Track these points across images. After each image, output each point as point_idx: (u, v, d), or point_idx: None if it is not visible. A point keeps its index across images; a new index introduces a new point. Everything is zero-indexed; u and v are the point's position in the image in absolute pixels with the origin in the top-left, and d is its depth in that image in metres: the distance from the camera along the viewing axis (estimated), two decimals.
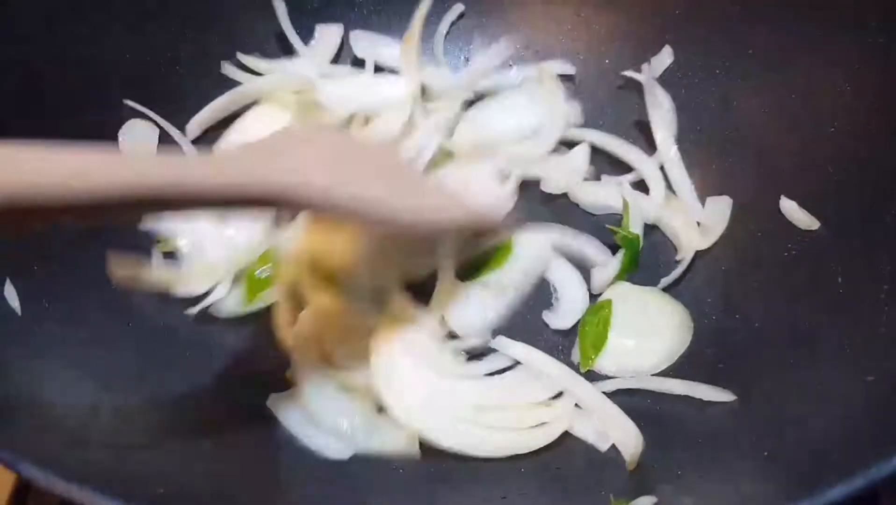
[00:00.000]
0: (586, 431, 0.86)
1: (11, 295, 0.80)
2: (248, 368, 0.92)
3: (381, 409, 0.86)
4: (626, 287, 0.98)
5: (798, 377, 0.83)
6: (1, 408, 0.69)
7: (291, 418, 0.86)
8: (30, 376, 0.75)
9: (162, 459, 0.75)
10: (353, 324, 0.91)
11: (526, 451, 0.84)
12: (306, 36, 1.13)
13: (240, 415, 0.87)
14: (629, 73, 1.11)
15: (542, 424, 0.85)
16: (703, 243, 1.00)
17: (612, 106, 1.13)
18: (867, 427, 0.70)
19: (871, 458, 0.59)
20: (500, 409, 0.86)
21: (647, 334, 0.94)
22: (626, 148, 1.09)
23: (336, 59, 1.14)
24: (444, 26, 1.16)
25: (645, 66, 1.10)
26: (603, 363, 0.92)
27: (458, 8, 1.17)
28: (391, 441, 0.84)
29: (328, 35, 1.13)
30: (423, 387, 0.86)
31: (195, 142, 1.07)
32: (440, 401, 0.85)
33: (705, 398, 0.86)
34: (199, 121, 1.06)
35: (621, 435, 0.83)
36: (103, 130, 1.01)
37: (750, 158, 1.03)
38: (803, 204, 0.95)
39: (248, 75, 1.09)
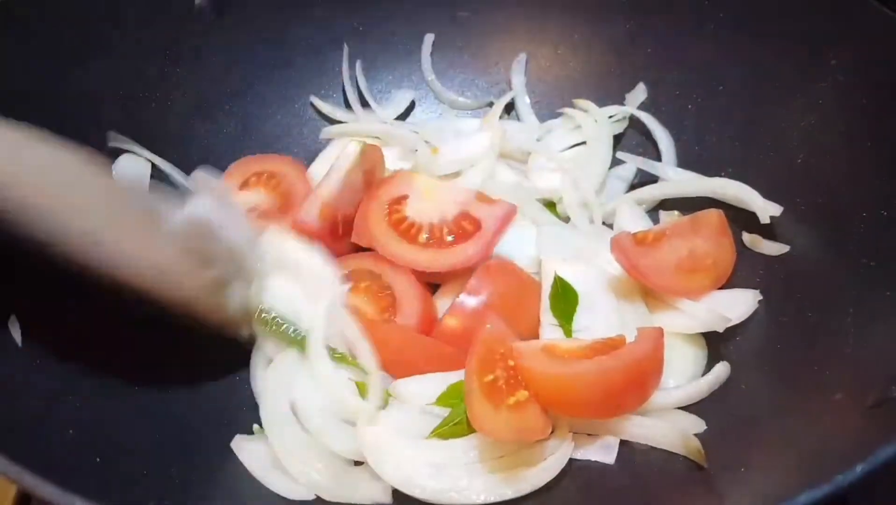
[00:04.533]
0: (588, 452, 0.86)
1: (15, 328, 0.85)
2: (219, 405, 0.94)
3: (357, 462, 0.86)
4: None
5: (770, 397, 0.86)
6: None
7: (254, 462, 0.87)
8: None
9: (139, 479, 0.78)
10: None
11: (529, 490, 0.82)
12: None
13: (209, 449, 0.88)
14: (633, 111, 1.15)
15: (542, 461, 0.83)
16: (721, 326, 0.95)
17: None
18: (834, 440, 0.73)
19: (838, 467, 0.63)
20: (492, 458, 0.84)
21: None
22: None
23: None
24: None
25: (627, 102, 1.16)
26: None
27: None
28: (365, 492, 0.84)
29: (401, 98, 1.25)
30: (408, 448, 0.85)
31: None
32: (426, 457, 0.84)
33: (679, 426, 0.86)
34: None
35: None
36: None
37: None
38: (772, 231, 0.99)
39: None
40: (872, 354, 0.79)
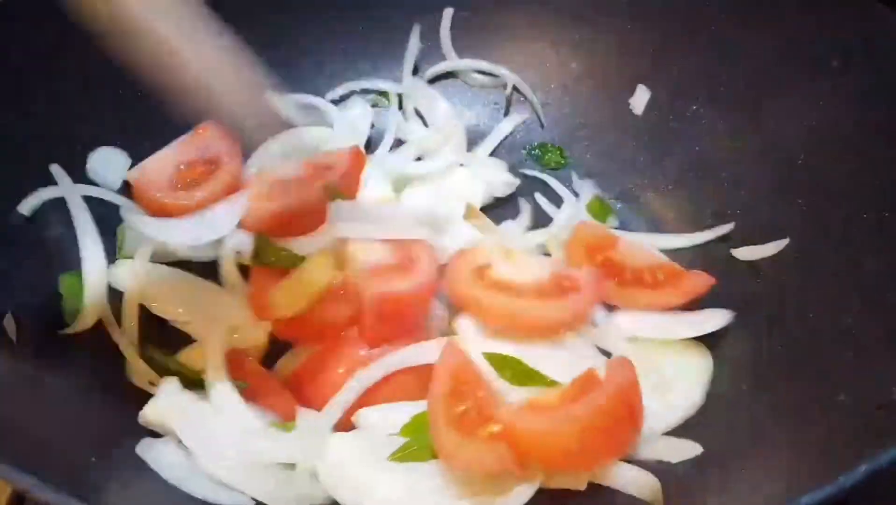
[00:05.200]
0: (559, 479, 0.81)
1: (10, 326, 0.85)
2: None
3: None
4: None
5: (771, 399, 0.86)
6: None
7: (170, 469, 0.78)
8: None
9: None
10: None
11: None
12: None
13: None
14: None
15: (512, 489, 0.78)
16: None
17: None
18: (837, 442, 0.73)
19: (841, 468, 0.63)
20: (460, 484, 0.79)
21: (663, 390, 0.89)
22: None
23: None
24: None
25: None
26: None
27: None
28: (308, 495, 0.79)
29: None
30: (369, 474, 0.80)
31: None
32: (389, 482, 0.80)
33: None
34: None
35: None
36: (73, 157, 1.04)
37: (718, 190, 1.08)
38: (769, 232, 0.99)
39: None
40: (874, 355, 0.79)
